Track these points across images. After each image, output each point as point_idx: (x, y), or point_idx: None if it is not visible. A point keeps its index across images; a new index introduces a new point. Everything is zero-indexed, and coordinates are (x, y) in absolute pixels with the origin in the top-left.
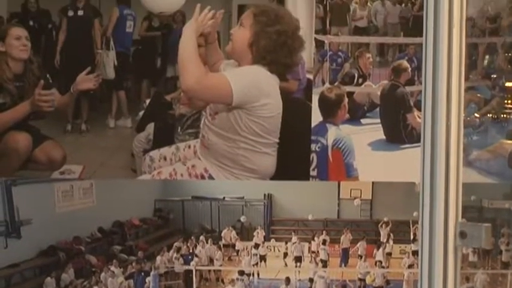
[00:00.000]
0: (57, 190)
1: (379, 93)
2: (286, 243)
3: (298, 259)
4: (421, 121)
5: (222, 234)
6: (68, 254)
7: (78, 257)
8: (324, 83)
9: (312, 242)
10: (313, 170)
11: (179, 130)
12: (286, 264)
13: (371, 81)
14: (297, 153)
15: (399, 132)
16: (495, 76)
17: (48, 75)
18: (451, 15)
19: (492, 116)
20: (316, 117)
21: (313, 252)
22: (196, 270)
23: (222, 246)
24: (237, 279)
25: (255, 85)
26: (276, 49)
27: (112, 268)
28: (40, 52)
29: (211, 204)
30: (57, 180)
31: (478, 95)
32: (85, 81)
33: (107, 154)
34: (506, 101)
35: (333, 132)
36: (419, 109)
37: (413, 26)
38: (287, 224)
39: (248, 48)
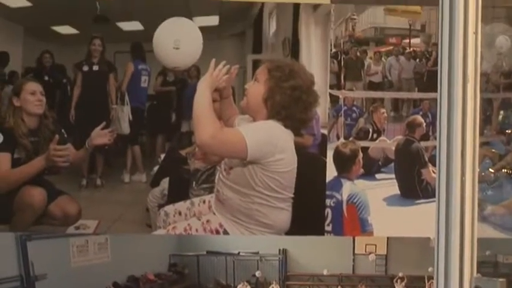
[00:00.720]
0: (72, 245)
1: (393, 148)
2: None
3: None
4: (436, 176)
5: None
6: None
7: None
8: (338, 138)
9: None
10: (328, 225)
11: (194, 185)
12: None
13: (385, 136)
14: (311, 208)
15: (414, 188)
16: (510, 131)
17: (63, 130)
18: (465, 71)
19: (507, 171)
20: (331, 172)
21: None
22: None
23: None
24: None
25: (269, 140)
26: (290, 104)
27: None
28: (55, 107)
29: (226, 259)
30: (72, 235)
31: (493, 150)
32: (100, 136)
33: (122, 209)
34: None
35: (347, 187)
36: (434, 164)
37: (428, 81)
38: (302, 279)
39: (263, 103)
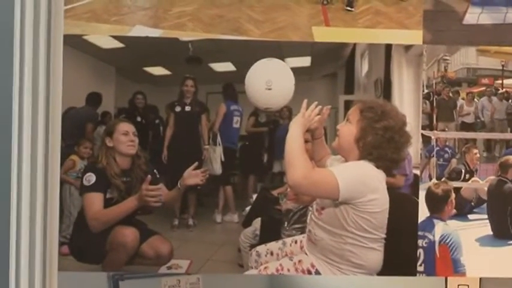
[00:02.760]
0: (164, 285)
1: (486, 188)
2: None
3: None
4: None
5: None
6: None
7: None
8: (430, 178)
9: None
10: (420, 265)
11: (286, 225)
12: None
13: (478, 176)
14: (403, 248)
15: (507, 228)
16: None
17: (155, 170)
18: None
19: None
20: (423, 212)
21: None
22: None
23: None
24: None
25: (361, 180)
26: (382, 145)
27: None
28: (147, 147)
29: None
30: (164, 275)
31: None
32: (192, 176)
33: (214, 249)
34: None
35: (440, 228)
36: None
37: None
38: None
39: (355, 144)
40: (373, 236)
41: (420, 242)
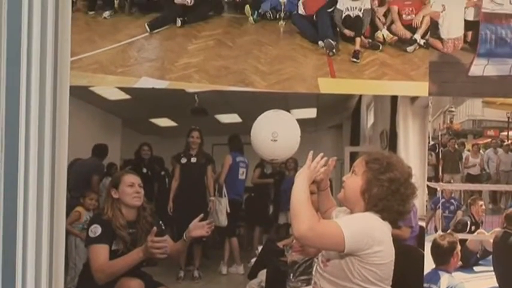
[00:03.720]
0: None
1: (491, 240)
2: None
3: None
4: None
5: None
6: None
7: None
8: (436, 230)
9: None
10: None
11: (291, 277)
12: None
13: (484, 228)
14: None
15: None
16: None
17: (161, 222)
18: None
19: None
20: (429, 264)
21: None
22: None
23: None
24: None
25: (367, 232)
26: (388, 196)
27: None
28: (153, 199)
29: None
30: None
31: None
32: (198, 228)
33: None
34: None
35: (445, 280)
36: None
37: None
38: None
39: (360, 196)
40: (378, 287)
41: None
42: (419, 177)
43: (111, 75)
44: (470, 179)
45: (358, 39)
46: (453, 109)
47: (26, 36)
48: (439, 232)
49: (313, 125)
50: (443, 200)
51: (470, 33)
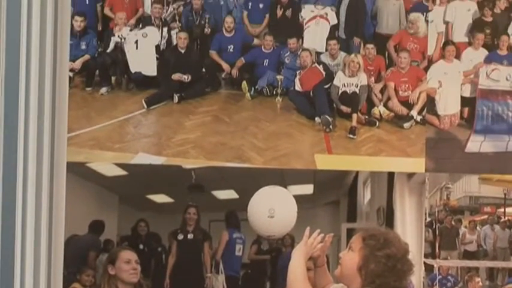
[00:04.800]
0: None
1: None
2: None
3: None
4: None
5: None
6: None
7: None
8: None
9: None
10: None
11: None
12: None
13: None
14: None
15: None
16: None
17: None
18: None
19: None
20: None
21: None
22: None
23: None
24: None
25: None
26: (385, 273)
27: None
28: (150, 275)
29: None
30: None
31: None
32: None
33: None
34: None
35: None
36: None
37: None
38: None
39: (357, 272)
40: None
41: None
42: (416, 253)
43: (108, 151)
44: (467, 255)
45: (354, 116)
46: (450, 185)
47: (23, 113)
48: None
49: (310, 201)
50: (440, 276)
51: (466, 110)
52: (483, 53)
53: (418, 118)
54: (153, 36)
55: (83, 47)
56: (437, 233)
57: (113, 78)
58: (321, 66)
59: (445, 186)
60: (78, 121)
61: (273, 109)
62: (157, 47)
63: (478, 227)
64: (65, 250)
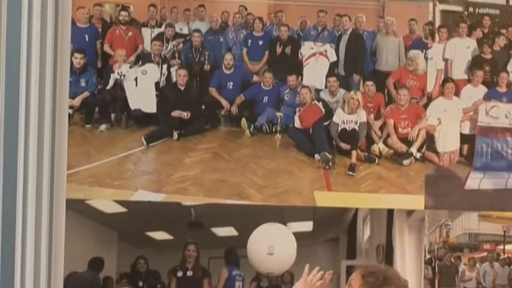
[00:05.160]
0: None
1: None
2: None
3: None
4: None
5: None
6: None
7: None
8: None
9: None
10: None
11: None
12: None
13: None
14: None
15: None
16: None
17: None
18: None
19: None
20: None
21: None
22: None
23: None
24: None
25: None
26: None
27: None
28: None
29: None
30: None
31: None
32: None
33: None
34: None
35: None
36: None
37: None
38: None
39: None
40: None
41: None
42: None
43: (107, 188)
44: None
45: (354, 153)
46: (449, 223)
47: (23, 150)
48: None
49: (310, 239)
50: None
51: (466, 147)
52: (482, 90)
53: (418, 155)
54: (152, 73)
55: (83, 84)
56: (436, 270)
57: (113, 115)
58: (321, 103)
59: (444, 223)
60: (77, 158)
61: (273, 146)
62: (157, 84)
63: (477, 264)
64: (64, 287)
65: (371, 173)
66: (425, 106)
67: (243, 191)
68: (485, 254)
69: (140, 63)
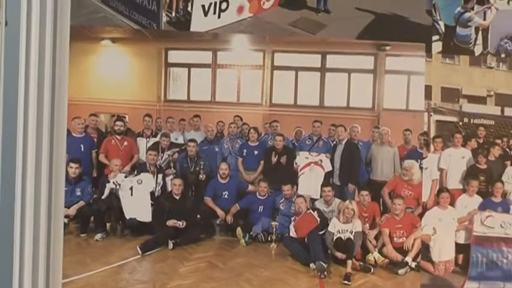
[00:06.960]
0: None
1: None
2: None
3: None
4: None
5: None
6: None
7: None
8: None
9: None
10: None
11: None
12: None
13: None
14: None
15: None
16: None
17: None
18: None
19: None
20: None
21: None
22: None
23: None
24: None
25: None
26: None
27: None
28: None
29: None
30: None
31: None
32: None
33: None
34: None
35: None
36: None
37: None
38: None
39: None
40: None
41: None
42: None
43: None
44: None
45: (349, 262)
46: None
47: (18, 263)
48: None
49: None
50: None
51: (461, 256)
52: (477, 200)
53: (413, 264)
54: (148, 182)
55: (78, 193)
56: None
57: (108, 225)
58: (316, 212)
59: None
60: (72, 267)
61: (268, 255)
62: (152, 193)
63: None
64: None
65: (366, 282)
66: (421, 215)
67: None
68: None
69: (135, 172)
